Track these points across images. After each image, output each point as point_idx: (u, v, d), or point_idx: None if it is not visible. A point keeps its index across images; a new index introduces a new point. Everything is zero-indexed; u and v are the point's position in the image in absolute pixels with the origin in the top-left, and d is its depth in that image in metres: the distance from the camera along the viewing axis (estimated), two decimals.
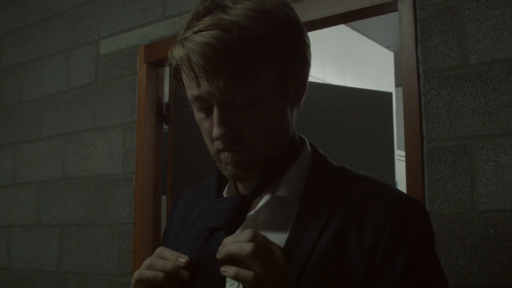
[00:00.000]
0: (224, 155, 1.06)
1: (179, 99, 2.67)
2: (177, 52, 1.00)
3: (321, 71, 4.42)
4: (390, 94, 3.40)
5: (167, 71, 2.71)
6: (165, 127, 2.68)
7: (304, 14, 2.12)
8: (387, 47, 5.45)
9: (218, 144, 1.05)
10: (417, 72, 1.86)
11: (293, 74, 1.06)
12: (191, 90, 1.02)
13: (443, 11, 1.84)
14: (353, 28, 4.90)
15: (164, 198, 2.67)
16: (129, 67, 2.72)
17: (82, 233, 2.76)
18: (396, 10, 1.95)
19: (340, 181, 1.10)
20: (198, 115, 1.07)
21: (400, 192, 1.08)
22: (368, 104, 3.19)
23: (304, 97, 1.12)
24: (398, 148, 3.60)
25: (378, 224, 1.00)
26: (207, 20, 0.98)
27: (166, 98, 2.69)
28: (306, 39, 1.09)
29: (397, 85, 5.43)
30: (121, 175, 2.66)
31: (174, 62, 1.03)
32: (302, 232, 1.03)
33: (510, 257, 1.63)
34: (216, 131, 1.02)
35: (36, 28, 3.22)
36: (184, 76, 1.04)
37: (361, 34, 5.09)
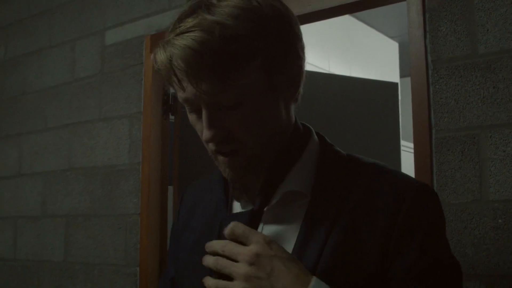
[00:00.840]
0: (220, 159, 1.06)
1: None
2: (159, 57, 0.99)
3: (326, 61, 4.41)
4: (396, 84, 3.39)
5: None
6: (171, 117, 2.68)
7: (310, 4, 2.11)
8: (392, 38, 5.43)
9: (211, 146, 1.04)
10: (426, 62, 1.85)
11: (283, 70, 1.03)
12: (179, 93, 1.01)
13: (452, 1, 1.83)
14: (358, 18, 4.89)
15: (170, 189, 2.67)
16: (135, 58, 2.71)
17: (88, 224, 2.76)
18: (404, 0, 1.95)
19: (350, 170, 1.09)
20: (191, 117, 1.06)
21: (410, 178, 1.08)
22: (374, 95, 3.19)
23: (300, 91, 1.10)
24: (403, 139, 3.59)
25: (390, 212, 0.99)
26: (189, 21, 0.96)
27: (172, 89, 2.68)
28: (298, 32, 1.06)
29: (401, 76, 5.41)
30: (128, 165, 2.66)
31: (156, 67, 1.01)
32: (314, 223, 1.03)
33: None
34: (205, 134, 1.01)
35: (41, 19, 3.21)
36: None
37: (366, 25, 5.08)
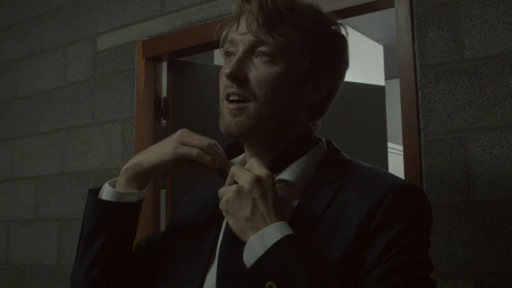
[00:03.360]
0: (227, 105, 1.14)
1: (177, 94, 2.70)
2: None
3: None
4: (382, 87, 3.44)
5: (165, 66, 2.74)
6: (163, 121, 2.71)
7: None
8: (377, 41, 5.49)
9: (227, 85, 1.14)
10: (414, 67, 1.91)
11: (316, 69, 1.16)
12: (230, 34, 1.17)
13: (439, 8, 1.89)
14: (343, 21, 4.92)
15: (163, 192, 2.69)
16: (127, 63, 2.74)
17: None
18: (392, 6, 2.00)
19: (347, 172, 1.15)
20: (224, 67, 1.17)
21: (403, 180, 1.13)
22: (361, 98, 3.23)
23: (324, 108, 1.25)
24: (390, 141, 3.64)
25: (373, 205, 1.04)
26: None
27: (164, 93, 2.72)
28: (346, 59, 1.24)
29: (386, 78, 5.47)
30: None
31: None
32: (301, 216, 1.10)
33: (506, 245, 1.68)
34: (228, 67, 1.12)
35: (33, 24, 3.23)
36: (226, 31, 1.20)
37: (351, 28, 5.12)
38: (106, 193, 1.18)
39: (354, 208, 1.05)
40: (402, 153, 1.92)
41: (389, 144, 3.65)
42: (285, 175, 1.14)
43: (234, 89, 1.12)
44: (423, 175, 1.85)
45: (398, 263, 1.01)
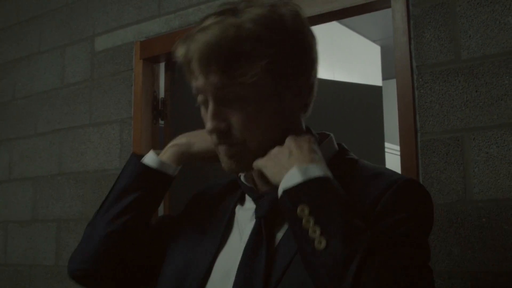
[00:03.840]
0: (220, 148, 1.13)
1: (175, 95, 2.71)
2: (179, 49, 1.10)
3: None
4: (379, 88, 3.46)
5: (162, 67, 2.75)
6: (161, 122, 2.72)
7: None
8: (374, 41, 5.50)
9: (214, 138, 1.13)
10: (411, 67, 1.91)
11: (290, 79, 1.11)
12: (192, 82, 1.12)
13: (435, 8, 1.90)
14: (340, 22, 4.94)
15: None
16: (125, 64, 2.75)
17: (80, 228, 2.79)
18: (389, 6, 2.01)
19: (353, 167, 1.17)
20: (201, 111, 1.15)
21: (408, 177, 1.14)
22: (358, 98, 3.24)
23: (309, 103, 1.19)
24: (387, 141, 3.65)
25: (381, 189, 1.05)
26: (212, 20, 1.08)
27: (161, 94, 2.73)
28: (312, 50, 1.16)
29: (384, 78, 5.48)
30: (118, 170, 2.68)
31: (177, 58, 1.12)
32: None
33: (502, 244, 1.69)
34: (208, 125, 1.10)
35: (30, 25, 3.24)
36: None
37: (348, 28, 5.14)
38: (149, 159, 1.29)
39: (360, 199, 1.05)
40: (399, 153, 1.93)
41: (386, 144, 3.67)
42: None
43: (221, 140, 1.12)
44: (419, 175, 1.85)
45: (396, 242, 1.01)
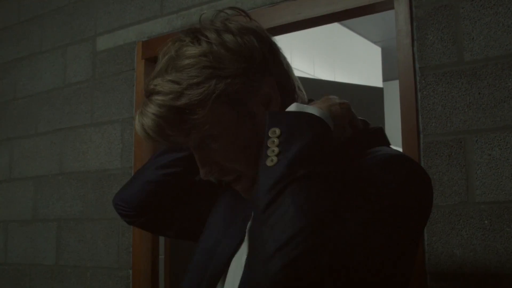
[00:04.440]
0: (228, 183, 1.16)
1: None
2: (137, 128, 1.09)
3: (311, 66, 4.47)
4: (381, 89, 3.46)
5: None
6: None
7: (302, 12, 2.17)
8: (375, 42, 5.51)
9: (212, 178, 1.15)
10: (414, 69, 1.92)
11: (247, 99, 1.08)
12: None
13: (438, 10, 1.90)
14: (341, 24, 4.95)
15: None
16: (127, 63, 2.75)
17: (80, 228, 2.79)
18: (392, 8, 2.01)
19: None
20: (194, 153, 1.15)
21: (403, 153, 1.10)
22: (359, 99, 3.24)
23: (292, 93, 1.15)
24: None
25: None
26: (150, 83, 1.07)
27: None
28: (258, 54, 1.10)
29: (384, 80, 5.49)
30: (120, 170, 2.69)
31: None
32: None
33: (504, 246, 1.69)
34: (201, 172, 1.12)
35: (32, 24, 3.24)
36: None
37: (349, 30, 5.14)
38: None
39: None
40: None
41: None
42: None
43: (221, 178, 1.14)
44: None
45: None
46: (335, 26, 4.84)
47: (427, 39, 1.91)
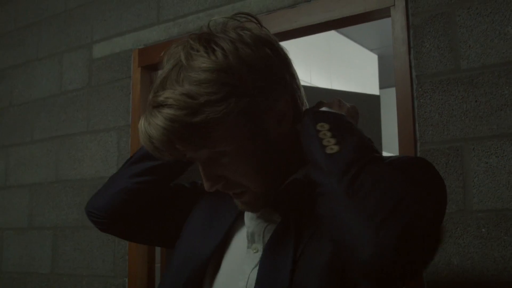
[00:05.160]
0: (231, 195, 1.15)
1: None
2: (141, 136, 1.04)
3: (308, 74, 4.48)
4: (377, 97, 3.46)
5: None
6: None
7: (299, 20, 2.17)
8: (371, 50, 5.52)
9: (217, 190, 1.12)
10: (410, 77, 1.91)
11: (265, 113, 1.06)
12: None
13: (435, 18, 1.90)
14: (338, 31, 4.96)
15: None
16: (123, 71, 2.74)
17: (76, 236, 2.78)
18: (389, 16, 2.01)
19: None
20: (198, 164, 1.12)
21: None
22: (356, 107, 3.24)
23: (299, 112, 1.14)
24: (384, 150, 3.66)
25: None
26: (160, 94, 1.00)
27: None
28: (274, 68, 1.08)
29: (381, 87, 5.49)
30: None
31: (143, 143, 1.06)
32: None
33: (501, 255, 1.69)
34: (205, 185, 1.08)
35: (28, 31, 3.23)
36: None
37: (346, 37, 5.15)
38: None
39: None
40: None
41: (384, 153, 3.67)
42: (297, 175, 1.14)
43: (227, 192, 1.12)
44: None
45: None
46: (331, 34, 4.85)
47: (423, 47, 1.91)
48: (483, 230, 1.73)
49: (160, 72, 1.06)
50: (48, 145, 3.00)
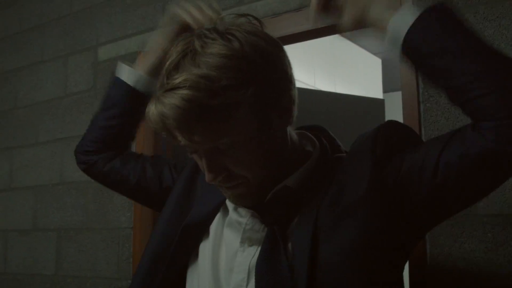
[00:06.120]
0: (222, 189, 1.14)
1: None
2: (151, 115, 1.02)
3: (312, 77, 4.48)
4: (382, 101, 3.46)
5: None
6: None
7: (302, 24, 2.17)
8: (375, 54, 5.52)
9: (216, 183, 1.11)
10: (416, 81, 1.91)
11: (272, 106, 1.07)
12: (178, 137, 1.05)
13: None
14: (342, 35, 4.96)
15: None
16: None
17: (80, 238, 2.78)
18: None
19: (335, 166, 1.16)
20: (195, 157, 1.13)
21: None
22: (361, 111, 3.24)
23: (294, 114, 1.15)
24: None
25: (367, 158, 1.07)
26: (176, 78, 0.99)
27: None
28: (283, 65, 1.10)
29: (384, 91, 5.50)
30: None
31: (149, 124, 1.05)
32: (304, 213, 1.11)
33: (507, 260, 1.68)
34: (207, 176, 1.08)
35: (33, 34, 3.24)
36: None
37: (350, 41, 5.16)
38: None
39: (350, 181, 1.08)
40: None
41: None
42: (288, 181, 1.14)
43: (225, 184, 1.11)
44: None
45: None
46: (336, 38, 4.85)
47: None
48: (489, 234, 1.73)
49: (169, 60, 1.03)
50: (53, 147, 3.00)
